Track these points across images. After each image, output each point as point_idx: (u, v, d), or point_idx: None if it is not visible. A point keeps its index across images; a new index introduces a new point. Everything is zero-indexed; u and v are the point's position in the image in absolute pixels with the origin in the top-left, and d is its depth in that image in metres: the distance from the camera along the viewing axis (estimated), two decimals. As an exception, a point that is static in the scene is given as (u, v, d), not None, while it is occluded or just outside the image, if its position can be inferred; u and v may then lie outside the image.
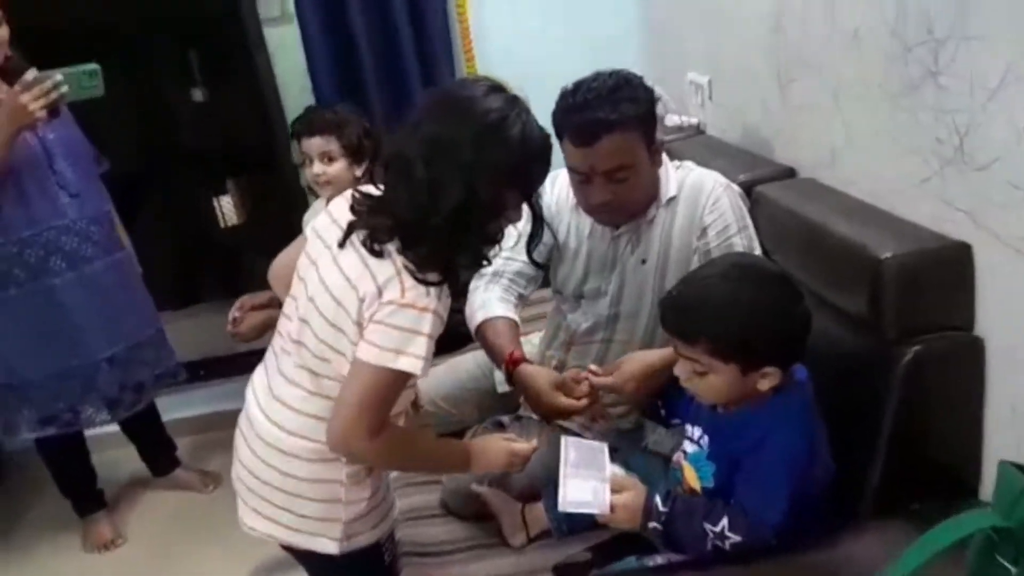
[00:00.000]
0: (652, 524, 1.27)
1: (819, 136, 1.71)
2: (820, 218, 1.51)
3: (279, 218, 2.77)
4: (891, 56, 1.39)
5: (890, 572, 0.97)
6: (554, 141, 1.29)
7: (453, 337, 1.69)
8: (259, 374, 1.41)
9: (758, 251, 1.62)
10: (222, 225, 4.06)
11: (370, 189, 1.28)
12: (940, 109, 1.29)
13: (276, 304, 1.50)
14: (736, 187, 1.69)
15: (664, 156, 1.65)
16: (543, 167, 1.25)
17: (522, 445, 1.42)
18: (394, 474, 1.60)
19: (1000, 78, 1.16)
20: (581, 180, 1.56)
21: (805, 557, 1.25)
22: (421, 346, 1.17)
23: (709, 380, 1.26)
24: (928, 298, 1.32)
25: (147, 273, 2.50)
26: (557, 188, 1.73)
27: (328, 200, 1.41)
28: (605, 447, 1.40)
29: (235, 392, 1.53)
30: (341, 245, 1.24)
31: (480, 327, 1.70)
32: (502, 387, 1.81)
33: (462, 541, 1.65)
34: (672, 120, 2.36)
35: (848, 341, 1.44)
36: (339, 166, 2.05)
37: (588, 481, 1.31)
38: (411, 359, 1.17)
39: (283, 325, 1.36)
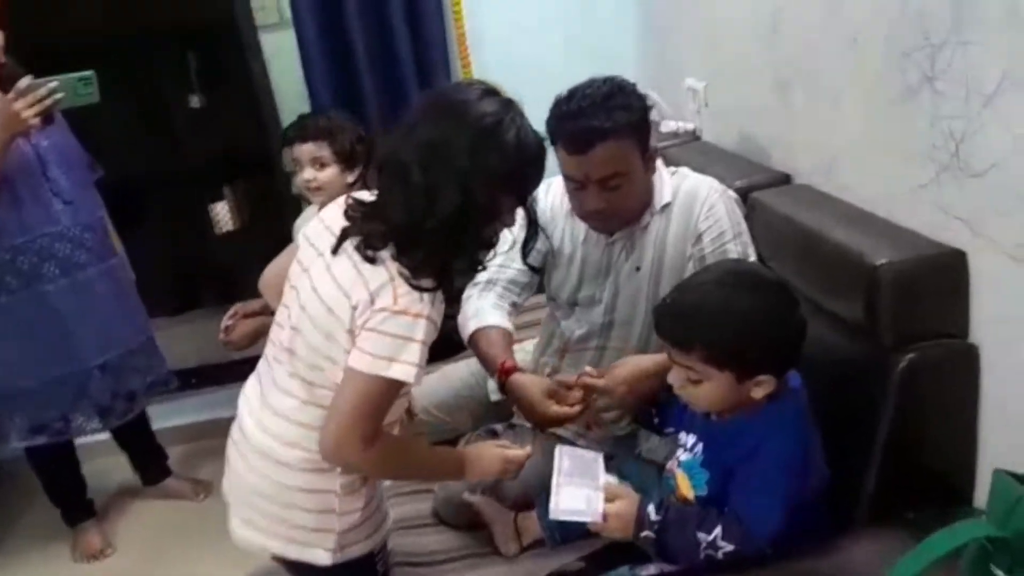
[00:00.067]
0: (645, 533, 1.27)
1: (815, 142, 1.71)
2: (816, 224, 1.51)
3: (275, 225, 2.77)
4: (888, 62, 1.39)
5: (885, 582, 0.96)
6: (548, 146, 1.29)
7: (447, 344, 1.68)
8: (252, 383, 1.40)
9: (753, 258, 1.61)
10: (217, 231, 4.05)
11: (363, 195, 1.27)
12: (936, 115, 1.29)
13: (269, 312, 1.49)
14: (732, 193, 1.68)
15: (659, 163, 1.64)
16: (538, 171, 1.25)
17: (516, 452, 1.42)
18: (386, 483, 1.59)
19: (996, 84, 1.16)
20: (575, 187, 1.56)
21: (799, 565, 1.25)
22: (414, 353, 1.17)
23: (703, 388, 1.25)
24: (923, 305, 1.32)
25: (142, 279, 2.49)
26: (552, 194, 1.72)
27: (320, 207, 1.41)
28: (600, 456, 1.39)
29: (226, 400, 1.52)
30: (334, 252, 1.24)
31: (473, 336, 1.70)
32: (495, 395, 1.80)
33: (454, 550, 1.64)
34: (668, 126, 2.36)
35: (843, 348, 1.43)
36: (331, 172, 2.03)
37: (581, 489, 1.31)
38: (404, 367, 1.16)
39: (275, 333, 1.35)
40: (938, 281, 1.31)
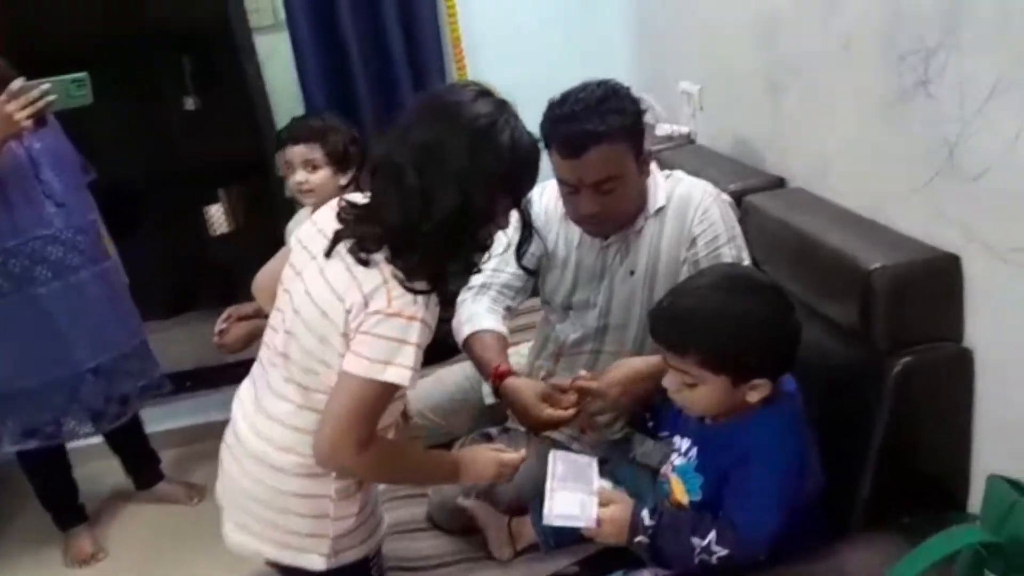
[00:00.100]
0: (639, 538, 1.26)
1: (810, 146, 1.71)
2: (810, 228, 1.51)
3: (270, 227, 2.76)
4: (883, 65, 1.39)
5: (880, 587, 0.96)
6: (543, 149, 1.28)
7: (442, 348, 1.68)
8: (246, 387, 1.39)
9: (748, 261, 1.61)
10: (211, 234, 4.04)
11: (357, 197, 1.27)
12: (930, 119, 1.29)
13: (263, 315, 1.48)
14: (726, 197, 1.68)
15: (653, 166, 1.64)
16: (533, 172, 1.24)
17: (511, 455, 1.41)
18: (380, 487, 1.58)
19: (990, 88, 1.16)
20: (569, 191, 1.56)
21: (794, 569, 1.25)
22: (409, 356, 1.16)
23: (699, 392, 1.25)
24: (917, 309, 1.32)
25: (136, 281, 2.48)
26: (546, 198, 1.72)
27: (313, 209, 1.40)
28: (594, 461, 1.39)
29: (220, 403, 1.51)
30: (327, 255, 1.23)
31: (468, 340, 1.69)
32: (490, 399, 1.80)
33: (448, 555, 1.64)
34: (663, 129, 2.36)
35: (838, 352, 1.43)
36: (323, 174, 2.01)
37: (575, 494, 1.30)
38: (399, 370, 1.16)
39: (269, 337, 1.34)
40: (932, 285, 1.31)
